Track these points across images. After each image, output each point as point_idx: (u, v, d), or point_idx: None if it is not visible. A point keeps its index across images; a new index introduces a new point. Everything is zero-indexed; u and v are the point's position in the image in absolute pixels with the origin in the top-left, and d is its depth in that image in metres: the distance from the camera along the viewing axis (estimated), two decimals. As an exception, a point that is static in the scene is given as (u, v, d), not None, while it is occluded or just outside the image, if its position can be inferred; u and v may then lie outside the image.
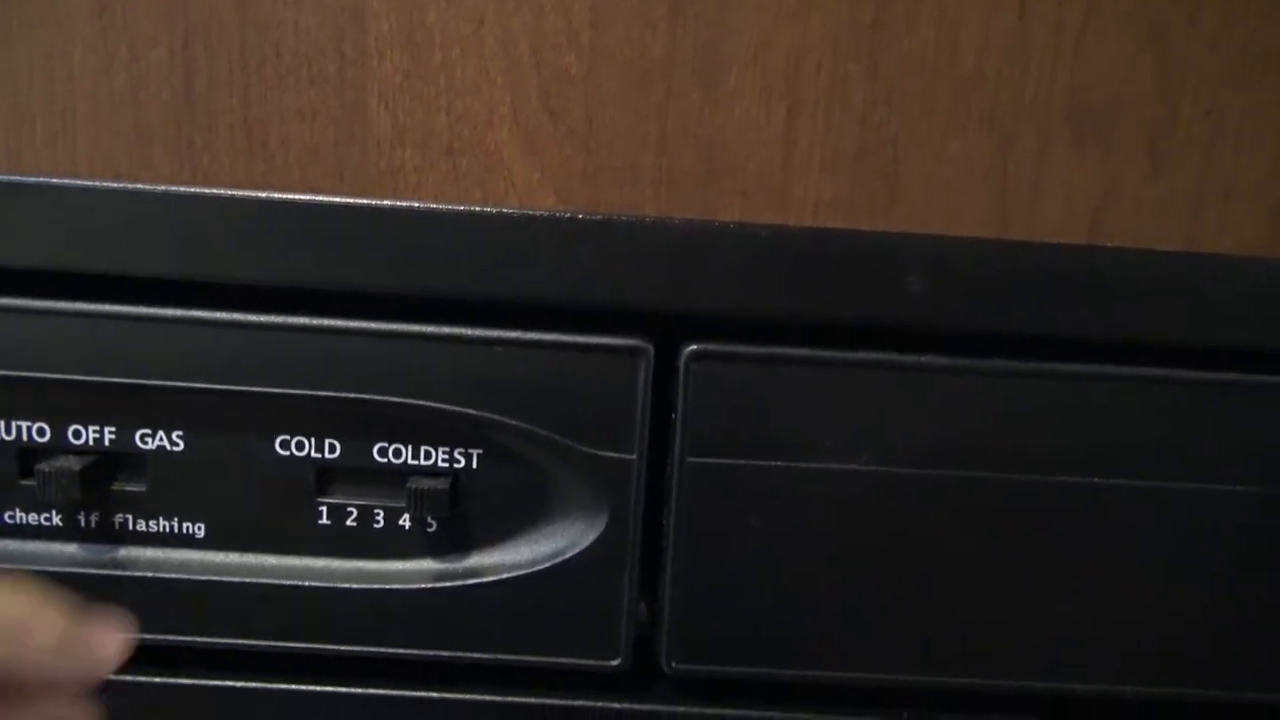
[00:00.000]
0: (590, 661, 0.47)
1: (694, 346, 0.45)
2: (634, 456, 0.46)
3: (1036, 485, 0.46)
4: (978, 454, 0.46)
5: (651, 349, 0.45)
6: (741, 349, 0.45)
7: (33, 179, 0.43)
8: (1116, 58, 0.66)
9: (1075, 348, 0.46)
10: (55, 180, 0.43)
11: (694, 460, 0.46)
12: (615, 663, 0.47)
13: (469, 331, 0.45)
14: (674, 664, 0.47)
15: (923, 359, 0.46)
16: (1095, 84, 0.65)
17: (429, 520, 0.46)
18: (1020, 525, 0.47)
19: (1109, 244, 0.47)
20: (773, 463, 0.46)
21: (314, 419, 0.46)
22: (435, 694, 0.47)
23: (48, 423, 0.46)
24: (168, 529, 0.47)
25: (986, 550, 0.47)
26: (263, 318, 0.44)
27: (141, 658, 0.47)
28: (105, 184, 0.43)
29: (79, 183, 0.43)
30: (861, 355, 0.45)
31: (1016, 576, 0.47)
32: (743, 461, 0.46)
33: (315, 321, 0.45)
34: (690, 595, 0.47)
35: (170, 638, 0.47)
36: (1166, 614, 0.48)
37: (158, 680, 0.47)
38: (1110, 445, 0.46)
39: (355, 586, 0.46)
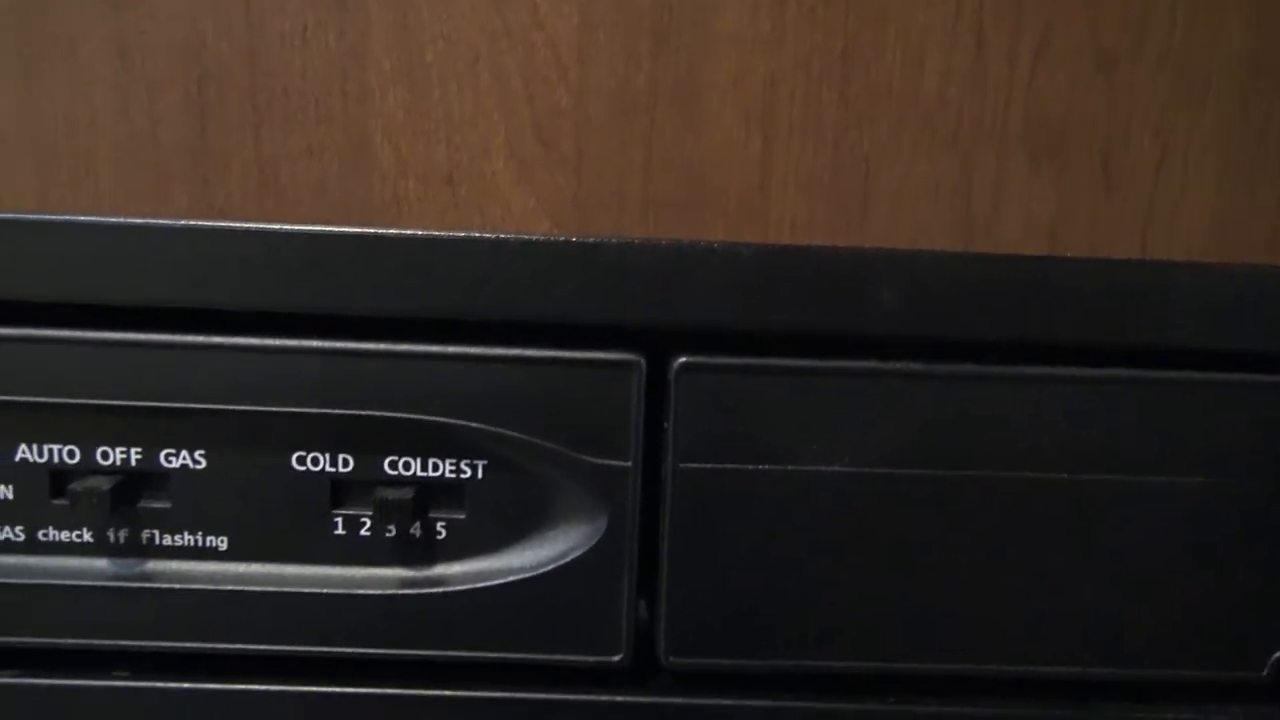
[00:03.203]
0: (592, 658, 0.47)
1: (683, 359, 0.45)
2: (629, 463, 0.46)
3: (1008, 481, 0.46)
4: (951, 453, 0.46)
5: (643, 362, 0.45)
6: (727, 360, 0.45)
7: (58, 216, 0.43)
8: (1068, 83, 0.67)
9: (1038, 352, 0.46)
10: (79, 217, 0.44)
11: (686, 466, 0.46)
12: (617, 658, 0.47)
13: (472, 350, 0.45)
14: (672, 658, 0.47)
15: (897, 365, 0.46)
16: (1050, 107, 0.66)
17: (439, 528, 0.47)
18: (994, 519, 0.47)
19: (1066, 255, 0.47)
20: (760, 466, 0.46)
21: (328, 436, 0.46)
22: (445, 692, 0.47)
23: (77, 445, 0.46)
24: (192, 543, 0.47)
25: (963, 543, 0.47)
26: (278, 342, 0.45)
27: (167, 665, 0.47)
28: (126, 220, 0.44)
29: (101, 219, 0.44)
30: (840, 364, 0.46)
31: (993, 567, 0.47)
32: (732, 466, 0.46)
33: (327, 344, 0.45)
34: (686, 592, 0.47)
35: (196, 645, 0.47)
36: (1135, 599, 0.48)
37: (185, 686, 0.47)
38: (1075, 442, 0.46)
39: (369, 593, 0.46)
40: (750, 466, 0.46)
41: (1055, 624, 0.48)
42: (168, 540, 0.47)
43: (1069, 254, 0.46)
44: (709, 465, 0.46)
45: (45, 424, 0.46)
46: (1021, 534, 0.47)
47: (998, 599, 0.48)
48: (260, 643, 0.47)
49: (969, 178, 0.65)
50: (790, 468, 0.46)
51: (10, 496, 0.46)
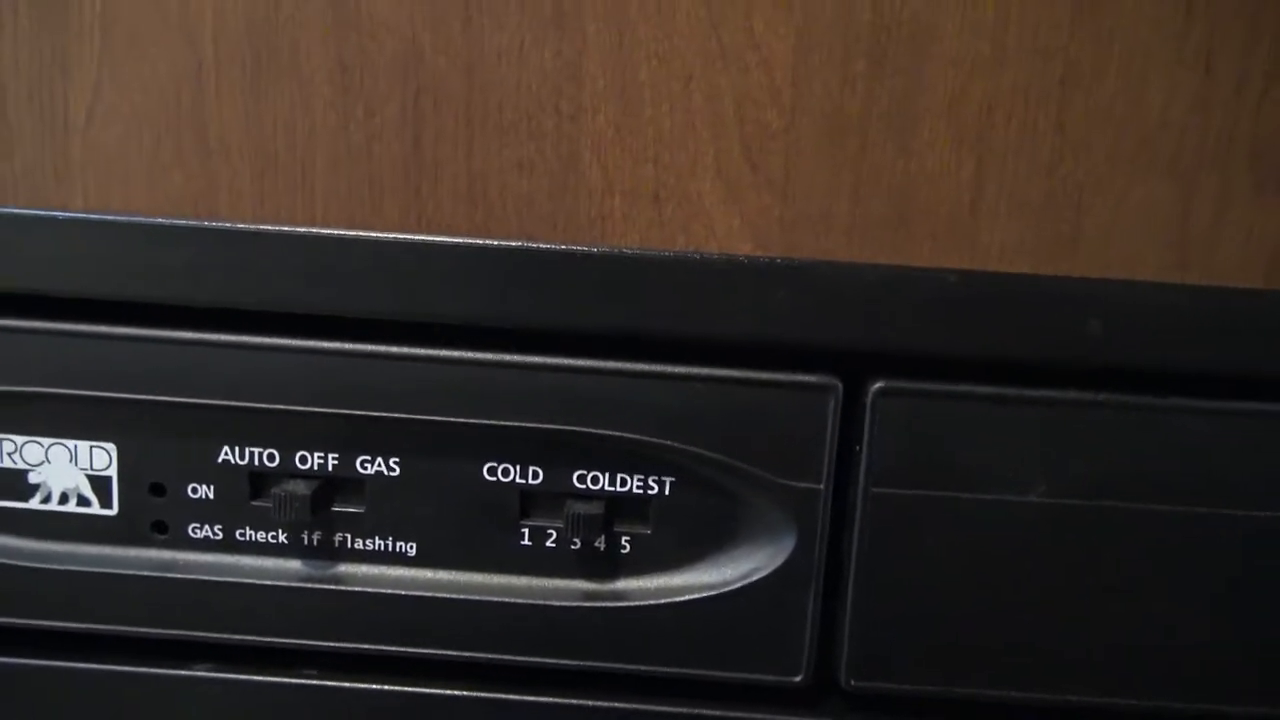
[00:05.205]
0: (773, 678, 0.47)
1: (880, 384, 0.45)
2: (821, 486, 0.45)
3: (1207, 517, 0.45)
4: (1148, 487, 0.45)
5: (840, 385, 0.45)
6: (926, 386, 0.45)
7: (274, 227, 0.44)
8: (1298, 108, 0.64)
9: (1250, 387, 0.44)
10: (296, 228, 0.44)
11: (877, 490, 0.45)
12: (798, 679, 0.47)
13: (669, 368, 0.45)
14: (852, 681, 0.47)
15: (1100, 396, 0.44)
16: (1277, 133, 0.63)
17: (623, 542, 0.47)
18: (1193, 555, 0.45)
19: (1282, 288, 0.45)
20: (952, 493, 0.45)
21: (520, 448, 0.46)
22: (623, 705, 0.48)
23: (277, 449, 0.47)
24: (383, 548, 0.47)
25: (1156, 578, 0.46)
26: (477, 354, 0.45)
27: (352, 666, 0.48)
28: (340, 231, 0.44)
29: (316, 230, 0.44)
30: (1040, 393, 0.45)
31: (1188, 603, 0.46)
32: (923, 492, 0.45)
33: (525, 358, 0.45)
34: (869, 616, 0.46)
35: (383, 648, 0.47)
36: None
37: (370, 687, 0.48)
38: (1281, 480, 0.45)
39: (553, 604, 0.47)
40: (942, 493, 0.45)
41: (1260, 662, 0.46)
42: (359, 544, 0.48)
43: (1289, 288, 0.43)
44: (901, 490, 0.45)
45: (247, 428, 0.47)
46: (1222, 570, 0.45)
47: (1195, 635, 0.46)
48: (444, 648, 0.47)
49: (1187, 205, 0.62)
50: (983, 496, 0.45)
51: (211, 496, 0.47)
